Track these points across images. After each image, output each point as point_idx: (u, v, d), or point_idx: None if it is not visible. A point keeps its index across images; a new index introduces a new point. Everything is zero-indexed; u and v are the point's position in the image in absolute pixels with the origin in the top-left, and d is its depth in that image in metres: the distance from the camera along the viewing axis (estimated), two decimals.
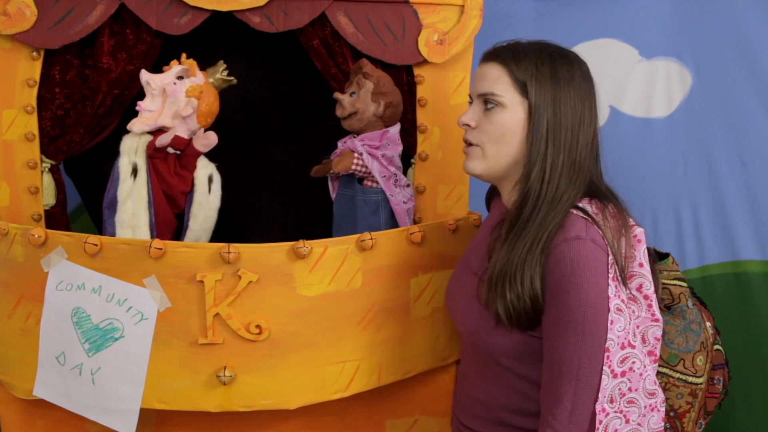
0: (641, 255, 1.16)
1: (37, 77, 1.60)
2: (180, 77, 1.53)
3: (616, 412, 1.09)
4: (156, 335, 1.37)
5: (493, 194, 1.45)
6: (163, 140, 1.51)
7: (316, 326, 1.43)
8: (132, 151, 1.52)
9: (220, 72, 1.64)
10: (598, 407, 1.08)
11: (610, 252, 1.10)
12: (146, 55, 1.66)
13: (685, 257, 2.29)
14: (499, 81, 1.19)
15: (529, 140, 1.17)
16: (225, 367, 1.39)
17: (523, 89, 1.18)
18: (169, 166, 1.57)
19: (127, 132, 1.55)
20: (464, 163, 1.27)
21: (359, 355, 1.48)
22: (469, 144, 1.25)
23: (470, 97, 1.28)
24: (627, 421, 1.11)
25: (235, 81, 1.67)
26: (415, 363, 1.58)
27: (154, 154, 1.53)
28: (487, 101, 1.21)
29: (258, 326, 1.38)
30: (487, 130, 1.21)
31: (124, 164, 1.52)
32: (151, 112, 1.52)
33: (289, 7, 1.63)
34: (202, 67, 1.62)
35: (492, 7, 1.81)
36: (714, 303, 1.44)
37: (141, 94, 1.71)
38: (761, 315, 2.23)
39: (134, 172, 1.52)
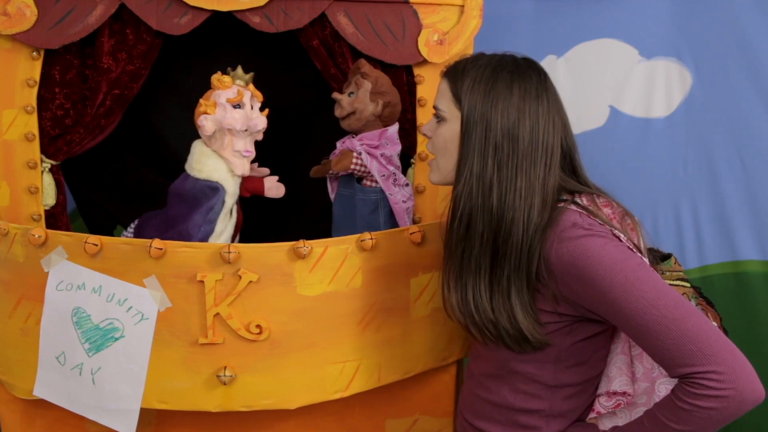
0: (636, 243, 1.16)
1: (37, 77, 1.60)
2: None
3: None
4: (156, 335, 1.37)
5: None
6: (278, 190, 1.65)
7: (316, 326, 1.43)
8: (237, 192, 1.59)
9: (244, 73, 1.62)
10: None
11: (612, 236, 1.11)
12: (146, 55, 1.66)
13: (685, 257, 2.29)
14: (443, 95, 1.23)
15: (460, 153, 1.18)
16: (225, 367, 1.39)
17: (458, 103, 1.19)
18: None
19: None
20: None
21: (359, 354, 1.48)
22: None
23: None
24: None
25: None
26: (415, 363, 1.58)
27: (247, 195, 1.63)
28: (436, 115, 1.25)
29: (258, 326, 1.38)
30: (434, 142, 1.26)
31: (230, 205, 1.57)
32: (251, 152, 1.56)
33: (289, 7, 1.63)
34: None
35: (492, 7, 1.80)
36: (714, 303, 1.44)
37: (140, 94, 1.71)
38: (761, 315, 2.23)
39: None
